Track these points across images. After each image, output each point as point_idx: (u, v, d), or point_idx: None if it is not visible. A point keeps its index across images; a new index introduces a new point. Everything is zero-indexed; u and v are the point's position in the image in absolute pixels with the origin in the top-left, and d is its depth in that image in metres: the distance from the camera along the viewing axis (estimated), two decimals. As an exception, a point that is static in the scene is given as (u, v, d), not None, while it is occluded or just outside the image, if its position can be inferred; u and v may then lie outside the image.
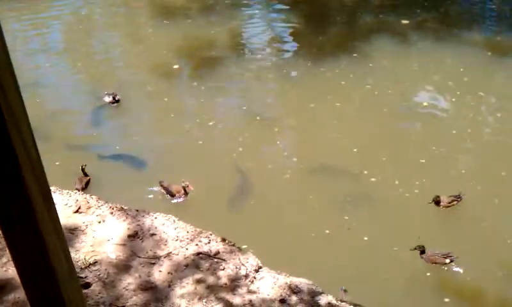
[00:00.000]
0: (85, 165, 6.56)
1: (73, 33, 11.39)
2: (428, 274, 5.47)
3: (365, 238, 5.83)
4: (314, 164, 6.93)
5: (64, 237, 1.81)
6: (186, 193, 6.36)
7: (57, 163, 6.69)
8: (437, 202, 6.08)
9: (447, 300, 5.20)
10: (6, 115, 1.37)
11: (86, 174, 6.56)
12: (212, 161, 7.04)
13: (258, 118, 7.90)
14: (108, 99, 8.30)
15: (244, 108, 8.27)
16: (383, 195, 6.39)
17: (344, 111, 8.11)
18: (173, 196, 6.42)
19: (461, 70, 9.13)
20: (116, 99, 8.25)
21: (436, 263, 5.50)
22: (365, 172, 6.77)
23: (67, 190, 4.90)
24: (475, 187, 6.50)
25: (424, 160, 6.95)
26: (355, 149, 7.20)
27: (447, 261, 5.48)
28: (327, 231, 5.95)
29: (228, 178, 6.73)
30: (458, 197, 6.14)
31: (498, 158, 7.05)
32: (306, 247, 5.72)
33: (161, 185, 6.51)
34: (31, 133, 1.52)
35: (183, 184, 6.35)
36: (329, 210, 6.24)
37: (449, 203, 6.09)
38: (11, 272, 3.89)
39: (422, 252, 5.49)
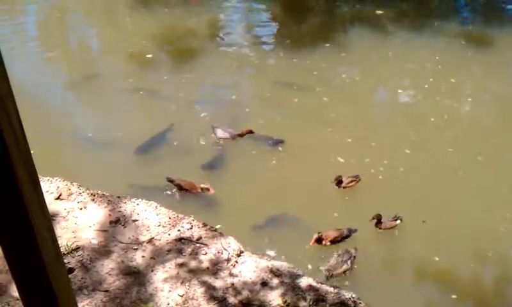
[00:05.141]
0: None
1: (49, 20, 11.22)
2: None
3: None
4: (297, 152, 6.99)
5: (50, 220, 1.85)
6: (203, 190, 6.02)
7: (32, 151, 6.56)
8: (339, 182, 6.20)
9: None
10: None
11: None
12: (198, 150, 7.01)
13: (247, 109, 7.89)
14: (222, 134, 7.07)
15: (224, 99, 8.23)
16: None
17: (315, 101, 8.12)
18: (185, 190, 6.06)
19: (436, 58, 9.31)
20: (253, 132, 7.05)
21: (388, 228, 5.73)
22: (341, 159, 6.85)
23: (48, 177, 4.89)
24: (456, 172, 6.67)
25: (408, 151, 7.05)
26: (336, 138, 7.26)
27: (397, 222, 5.73)
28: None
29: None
30: (357, 177, 6.30)
31: (474, 143, 7.23)
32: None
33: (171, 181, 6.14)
34: (18, 115, 1.55)
35: (202, 185, 6.03)
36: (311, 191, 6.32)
37: (348, 183, 6.24)
38: (-8, 259, 3.88)
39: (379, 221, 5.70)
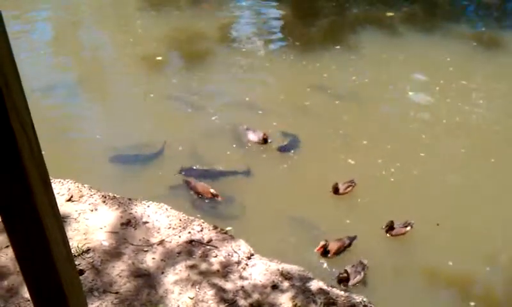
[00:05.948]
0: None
1: (60, 24, 11.31)
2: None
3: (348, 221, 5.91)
4: (308, 155, 6.97)
5: (61, 222, 1.84)
6: (213, 196, 6.05)
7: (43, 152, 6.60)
8: (336, 189, 6.13)
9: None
10: (7, 102, 1.39)
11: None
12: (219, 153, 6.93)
13: (260, 111, 7.87)
14: (253, 137, 7.08)
15: (236, 102, 8.22)
16: (367, 179, 6.44)
17: (326, 103, 8.08)
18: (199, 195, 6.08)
19: (448, 59, 9.25)
20: (269, 140, 7.05)
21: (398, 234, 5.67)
22: (351, 161, 6.82)
23: (59, 179, 4.91)
24: (469, 175, 6.61)
25: (423, 154, 6.99)
26: (347, 140, 7.23)
27: (408, 228, 5.66)
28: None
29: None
30: (352, 182, 6.23)
31: (486, 146, 7.18)
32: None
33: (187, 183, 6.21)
34: (30, 119, 1.55)
35: (212, 191, 6.05)
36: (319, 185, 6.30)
37: (345, 189, 6.17)
38: (3, 259, 3.91)
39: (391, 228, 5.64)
